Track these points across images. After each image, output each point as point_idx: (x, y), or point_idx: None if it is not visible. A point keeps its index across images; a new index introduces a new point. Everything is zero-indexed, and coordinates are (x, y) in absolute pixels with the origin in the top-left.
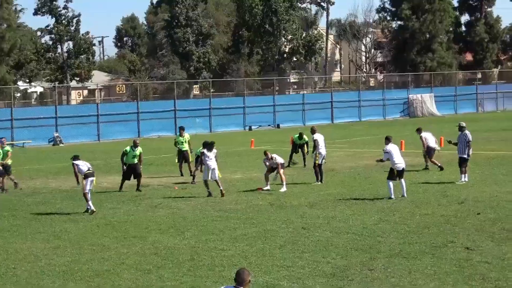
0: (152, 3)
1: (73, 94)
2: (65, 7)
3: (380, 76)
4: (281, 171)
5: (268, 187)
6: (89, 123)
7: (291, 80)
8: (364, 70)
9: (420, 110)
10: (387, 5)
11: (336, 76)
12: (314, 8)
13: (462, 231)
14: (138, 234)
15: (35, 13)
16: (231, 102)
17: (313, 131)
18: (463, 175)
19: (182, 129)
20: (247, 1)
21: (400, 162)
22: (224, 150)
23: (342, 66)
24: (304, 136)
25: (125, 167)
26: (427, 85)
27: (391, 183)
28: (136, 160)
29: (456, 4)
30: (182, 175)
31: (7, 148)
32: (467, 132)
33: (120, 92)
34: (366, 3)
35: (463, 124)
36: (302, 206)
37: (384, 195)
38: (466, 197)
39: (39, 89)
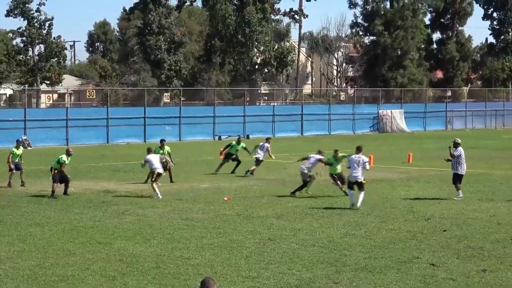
0: (125, 10)
1: (43, 97)
2: (38, 10)
3: (350, 91)
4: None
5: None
6: (58, 127)
7: (262, 91)
8: (335, 84)
9: (390, 125)
10: (359, 20)
11: (307, 88)
12: (286, 20)
13: (428, 247)
14: (103, 240)
15: (7, 15)
16: (201, 111)
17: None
18: (460, 191)
19: (163, 141)
20: (221, 11)
21: (356, 174)
22: (193, 159)
23: (313, 79)
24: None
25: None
26: (397, 101)
27: (351, 191)
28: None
29: (428, 22)
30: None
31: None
32: (461, 148)
33: (90, 97)
34: (339, 17)
35: (459, 140)
36: (269, 217)
37: (351, 209)
38: (433, 214)
39: (9, 92)
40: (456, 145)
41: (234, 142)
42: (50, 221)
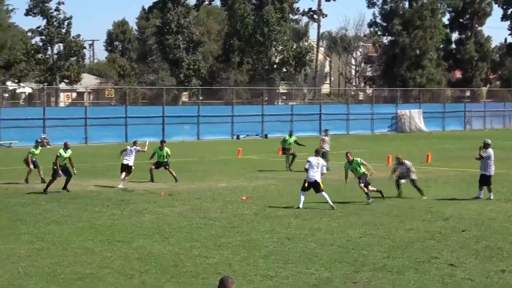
0: (143, 9)
1: (62, 96)
2: (57, 9)
3: (369, 90)
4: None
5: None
6: (77, 126)
7: (280, 91)
8: (354, 83)
9: (408, 125)
10: (378, 20)
11: (325, 88)
12: (305, 19)
13: (446, 248)
14: (122, 238)
15: (27, 14)
16: (219, 110)
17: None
18: (481, 192)
19: (163, 142)
20: (239, 11)
21: (313, 175)
22: (211, 158)
23: (332, 78)
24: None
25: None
26: (415, 101)
27: (304, 192)
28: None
29: (447, 22)
30: (153, 180)
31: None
32: (490, 150)
33: (109, 96)
34: (357, 17)
35: (489, 141)
36: (288, 217)
37: (370, 209)
38: (451, 214)
39: (28, 90)
40: (486, 146)
41: (287, 136)
42: (69, 219)
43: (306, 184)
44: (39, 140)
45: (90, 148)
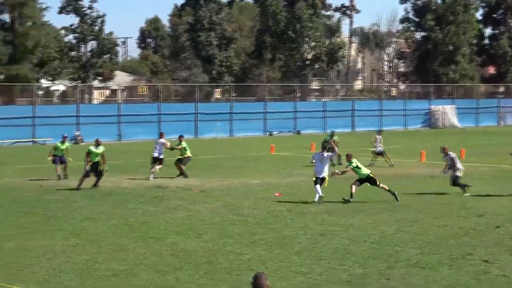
0: (176, 6)
1: (95, 93)
2: (90, 7)
3: (402, 86)
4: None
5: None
6: (110, 123)
7: (313, 87)
8: (386, 79)
9: (441, 121)
10: (411, 16)
11: (358, 84)
12: (337, 15)
13: (481, 244)
14: (156, 235)
15: (60, 12)
16: (252, 107)
17: (445, 150)
18: None
19: (181, 137)
20: (271, 7)
21: (320, 170)
22: (244, 154)
23: (364, 74)
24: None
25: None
26: (449, 97)
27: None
28: (98, 159)
29: (480, 17)
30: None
31: (67, 144)
32: None
33: (142, 93)
34: (390, 12)
35: None
36: (321, 213)
37: (403, 205)
38: (485, 210)
39: (62, 88)
40: None
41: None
42: (103, 216)
43: (314, 179)
44: (65, 135)
45: (123, 145)
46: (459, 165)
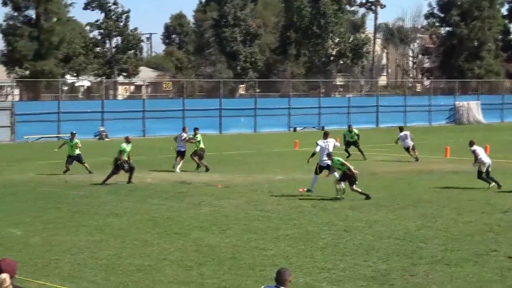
0: (201, 2)
1: (120, 89)
2: (115, 3)
3: (426, 82)
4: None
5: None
6: (134, 119)
7: (337, 83)
8: (411, 75)
9: (466, 117)
10: (436, 11)
11: (382, 80)
12: (362, 11)
13: (506, 240)
14: (180, 230)
15: (85, 8)
16: (276, 102)
17: (471, 143)
18: None
19: (196, 129)
20: (296, 3)
21: (326, 158)
22: (268, 150)
23: (389, 70)
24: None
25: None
26: (474, 93)
27: (316, 177)
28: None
29: (505, 12)
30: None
31: (76, 140)
32: None
33: (167, 89)
34: (414, 8)
35: None
36: (345, 209)
37: (427, 200)
38: (511, 206)
39: (86, 83)
40: None
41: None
42: (128, 212)
43: (319, 169)
44: (74, 132)
45: (148, 141)
46: (483, 158)
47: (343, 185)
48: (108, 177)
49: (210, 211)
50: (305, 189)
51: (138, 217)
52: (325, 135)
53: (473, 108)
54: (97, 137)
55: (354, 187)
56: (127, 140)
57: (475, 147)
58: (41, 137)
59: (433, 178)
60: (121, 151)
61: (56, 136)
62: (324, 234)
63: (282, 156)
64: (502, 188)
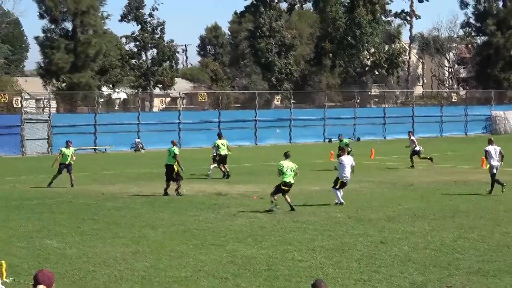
0: (236, 13)
1: (156, 101)
2: (151, 15)
3: (462, 92)
4: None
5: None
6: (170, 130)
7: (373, 93)
8: (447, 85)
9: (503, 127)
10: (471, 21)
11: (418, 90)
12: (397, 21)
13: None
14: (216, 242)
15: (121, 20)
16: (311, 113)
17: (489, 141)
18: None
19: (220, 134)
20: (331, 14)
21: (348, 174)
22: (303, 161)
23: (425, 80)
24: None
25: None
26: (510, 102)
27: (338, 192)
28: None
29: None
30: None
31: (72, 149)
32: None
33: (202, 100)
34: (450, 17)
35: None
36: (381, 220)
37: (464, 211)
38: None
39: (123, 95)
40: None
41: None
42: (164, 223)
43: (339, 184)
44: (69, 140)
45: (184, 152)
46: (491, 160)
47: (275, 197)
48: (178, 187)
49: (246, 223)
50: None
51: (174, 228)
52: (343, 151)
53: (509, 117)
54: (133, 149)
55: (286, 196)
56: (174, 144)
57: (488, 147)
58: (78, 149)
59: (469, 189)
60: (176, 155)
61: (93, 148)
62: (360, 245)
63: (318, 167)
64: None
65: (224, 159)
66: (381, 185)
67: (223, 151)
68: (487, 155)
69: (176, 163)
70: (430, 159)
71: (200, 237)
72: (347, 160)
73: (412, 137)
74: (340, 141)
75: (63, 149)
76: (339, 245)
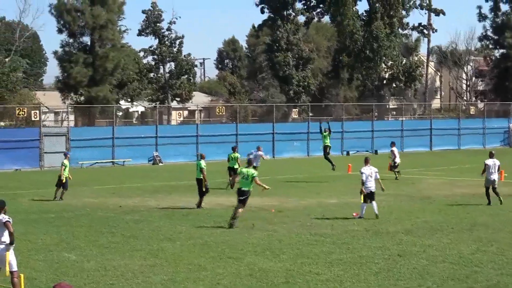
0: (253, 27)
1: (174, 114)
2: (169, 29)
3: (480, 105)
4: None
5: None
6: (188, 143)
7: (390, 106)
8: (465, 98)
9: None
10: (489, 33)
11: (436, 103)
12: (415, 34)
13: None
14: (234, 255)
15: (139, 34)
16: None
17: (490, 155)
18: None
19: (235, 148)
20: (348, 27)
21: (370, 185)
22: (321, 174)
23: (442, 93)
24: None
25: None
26: None
27: (364, 206)
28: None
29: None
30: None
31: (66, 162)
32: None
33: (220, 113)
34: (468, 30)
35: None
36: (399, 233)
37: (483, 224)
38: None
39: (141, 109)
40: None
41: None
42: (181, 236)
43: (362, 197)
44: (67, 152)
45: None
46: (489, 174)
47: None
48: (201, 200)
49: (264, 236)
50: (358, 214)
51: (191, 241)
52: (366, 162)
53: None
54: (151, 162)
55: (241, 210)
56: (202, 157)
57: (488, 161)
58: (96, 163)
59: (487, 201)
60: (202, 169)
61: (111, 162)
62: (377, 258)
63: (335, 180)
64: None
65: (234, 171)
66: (399, 198)
67: (233, 164)
68: (486, 168)
69: (202, 176)
70: (398, 172)
71: (217, 250)
72: (367, 170)
73: (392, 149)
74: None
75: (65, 162)
76: (357, 258)
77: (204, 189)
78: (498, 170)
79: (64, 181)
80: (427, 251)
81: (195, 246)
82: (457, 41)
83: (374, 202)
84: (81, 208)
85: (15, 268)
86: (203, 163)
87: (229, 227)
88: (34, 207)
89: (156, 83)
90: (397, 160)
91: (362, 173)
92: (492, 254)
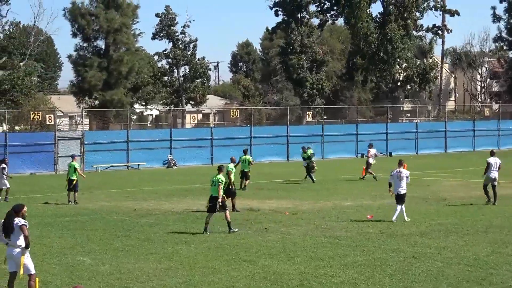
0: (267, 29)
1: (188, 117)
2: (183, 32)
3: (495, 106)
4: None
5: None
6: (202, 147)
7: (405, 108)
8: (479, 99)
9: None
10: (504, 35)
11: (450, 105)
12: (429, 36)
13: None
14: (248, 257)
15: (153, 38)
16: (343, 129)
17: (491, 153)
18: None
19: (246, 150)
20: (362, 29)
21: (399, 187)
22: (336, 176)
23: (457, 95)
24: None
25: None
26: None
27: (397, 207)
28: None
29: None
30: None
31: (74, 163)
32: None
33: (234, 116)
34: (482, 32)
35: None
36: (413, 235)
37: (498, 226)
38: None
39: (155, 112)
40: None
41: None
42: (196, 239)
43: (395, 197)
44: (74, 155)
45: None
46: (490, 172)
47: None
48: (233, 204)
49: (278, 238)
50: (373, 216)
51: (206, 244)
52: (400, 164)
53: None
54: (166, 165)
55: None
56: (232, 161)
57: (490, 159)
58: (110, 166)
59: (503, 203)
60: (229, 172)
61: (125, 165)
62: (392, 260)
63: (350, 183)
64: None
65: (245, 174)
66: (414, 200)
67: (244, 167)
68: (488, 166)
69: (229, 179)
70: (369, 172)
71: (232, 253)
72: (396, 173)
73: (369, 150)
74: (304, 153)
75: (74, 163)
76: (371, 260)
77: (232, 190)
78: (499, 168)
79: (74, 183)
80: (442, 253)
81: (210, 249)
82: (472, 42)
83: (402, 206)
84: (96, 212)
85: (32, 271)
86: (231, 166)
87: (203, 231)
88: (49, 211)
89: (170, 86)
90: (371, 160)
91: (391, 175)
92: (508, 256)
